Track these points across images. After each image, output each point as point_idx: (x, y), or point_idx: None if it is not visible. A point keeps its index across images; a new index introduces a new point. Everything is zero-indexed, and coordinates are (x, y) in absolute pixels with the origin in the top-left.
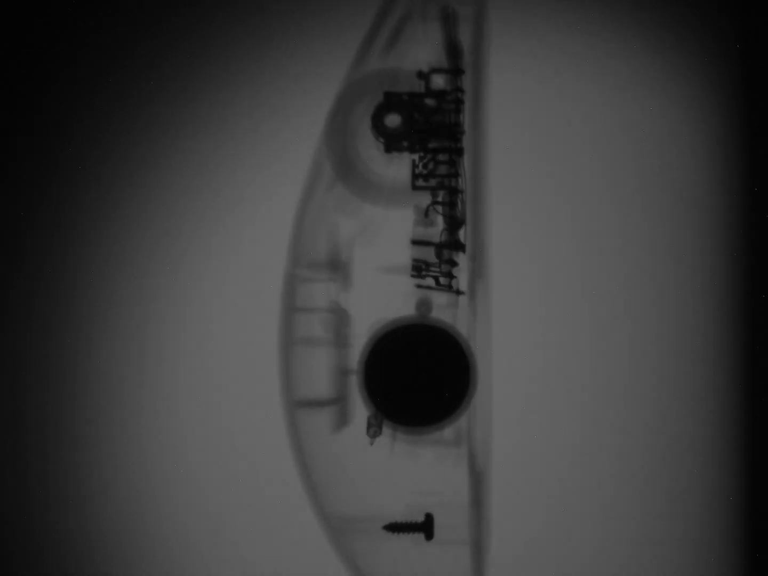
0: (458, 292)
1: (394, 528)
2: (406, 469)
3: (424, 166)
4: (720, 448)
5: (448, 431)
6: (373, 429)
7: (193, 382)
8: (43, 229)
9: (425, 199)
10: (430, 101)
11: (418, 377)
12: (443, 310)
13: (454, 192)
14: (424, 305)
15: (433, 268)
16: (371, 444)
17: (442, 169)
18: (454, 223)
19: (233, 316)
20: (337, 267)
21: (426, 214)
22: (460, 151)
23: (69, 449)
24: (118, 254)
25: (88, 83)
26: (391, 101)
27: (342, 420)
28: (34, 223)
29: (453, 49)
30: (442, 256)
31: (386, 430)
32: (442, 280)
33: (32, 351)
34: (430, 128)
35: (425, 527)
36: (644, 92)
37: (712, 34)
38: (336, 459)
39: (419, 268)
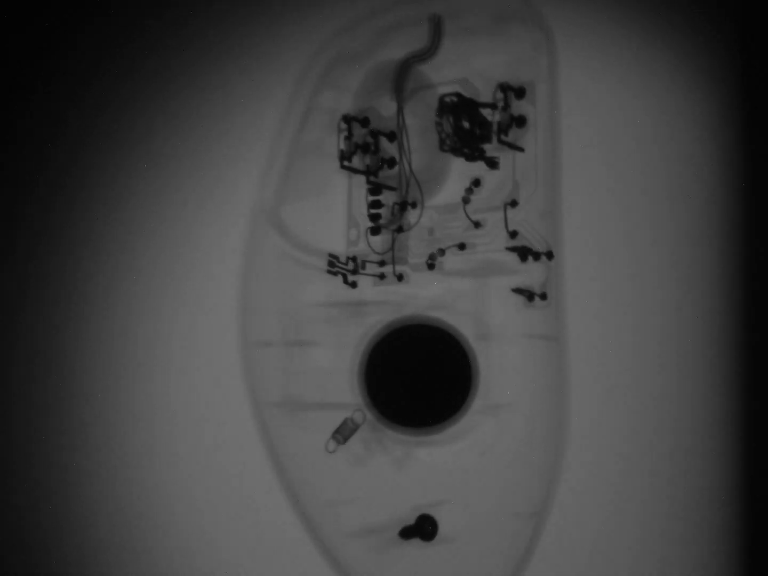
0: (353, 285)
1: (407, 533)
2: (407, 472)
3: (349, 158)
4: None
5: (451, 432)
6: (338, 436)
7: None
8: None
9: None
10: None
11: (418, 378)
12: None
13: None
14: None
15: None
16: (331, 451)
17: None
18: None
19: (222, 315)
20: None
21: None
22: (494, 164)
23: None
24: (91, 259)
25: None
26: (466, 105)
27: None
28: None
29: (427, 50)
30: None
31: (388, 433)
32: (349, 277)
33: None
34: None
35: (429, 529)
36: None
37: (712, 34)
38: (334, 460)
39: (332, 264)
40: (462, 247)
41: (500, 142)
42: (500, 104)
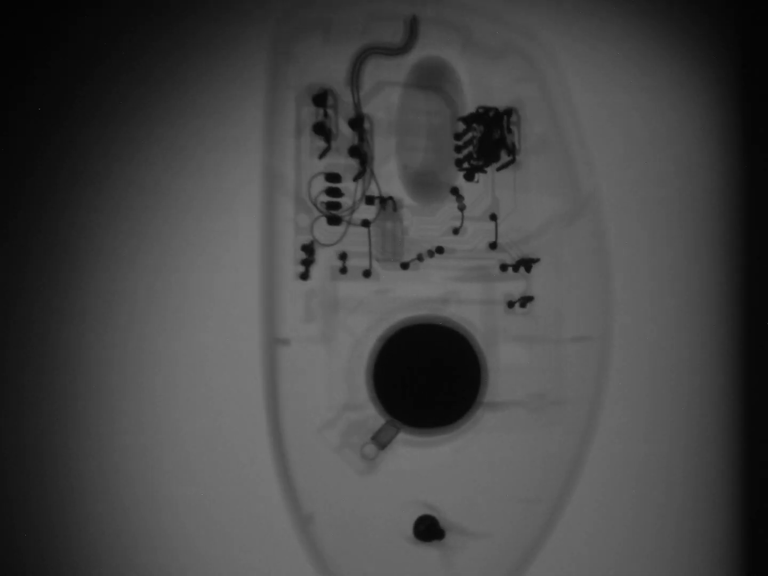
0: (303, 277)
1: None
2: (413, 474)
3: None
4: None
5: (460, 431)
6: (378, 442)
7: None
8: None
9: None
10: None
11: (427, 377)
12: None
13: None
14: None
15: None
16: (371, 458)
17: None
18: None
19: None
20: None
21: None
22: (472, 177)
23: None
24: (102, 251)
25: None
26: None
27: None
28: None
29: (397, 49)
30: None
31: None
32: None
33: None
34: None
35: (434, 529)
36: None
37: (713, 34)
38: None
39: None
40: (440, 250)
41: (512, 162)
42: (508, 125)
